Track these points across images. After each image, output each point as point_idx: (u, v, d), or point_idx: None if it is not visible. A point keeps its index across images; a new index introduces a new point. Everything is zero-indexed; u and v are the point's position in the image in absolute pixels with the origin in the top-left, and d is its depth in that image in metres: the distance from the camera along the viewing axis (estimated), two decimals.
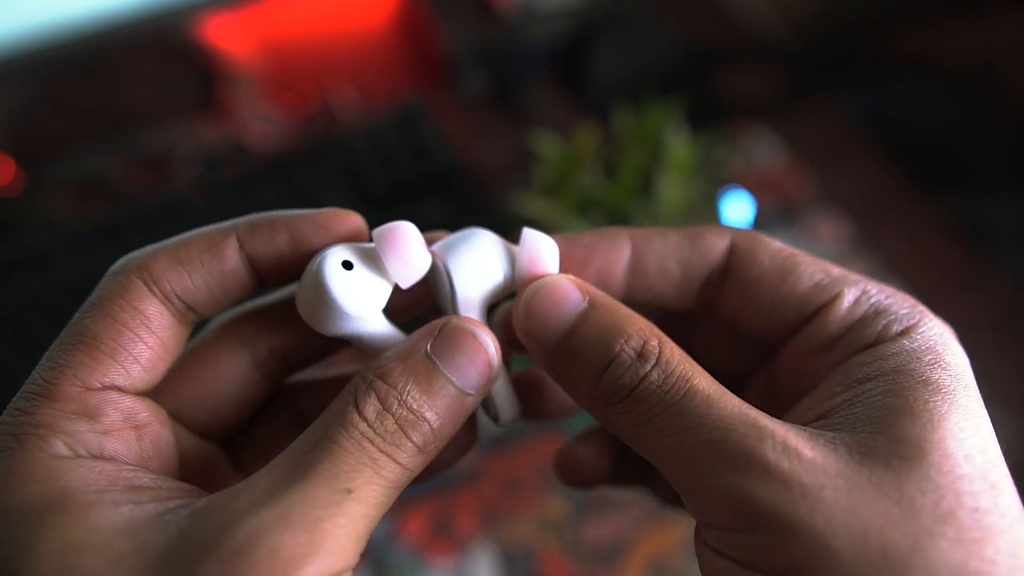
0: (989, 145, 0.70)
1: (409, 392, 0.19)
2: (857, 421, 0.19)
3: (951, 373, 0.19)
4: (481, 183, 0.62)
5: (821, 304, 0.21)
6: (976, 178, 0.70)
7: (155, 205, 0.58)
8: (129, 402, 0.20)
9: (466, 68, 0.70)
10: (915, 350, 0.20)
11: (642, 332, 0.20)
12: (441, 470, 0.24)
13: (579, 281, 0.22)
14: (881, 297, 0.21)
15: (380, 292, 0.22)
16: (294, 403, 0.25)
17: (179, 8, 0.64)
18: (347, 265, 0.21)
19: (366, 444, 0.18)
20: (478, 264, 0.22)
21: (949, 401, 0.18)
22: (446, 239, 0.23)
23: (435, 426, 0.20)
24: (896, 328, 0.20)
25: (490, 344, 0.21)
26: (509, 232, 0.24)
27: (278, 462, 0.18)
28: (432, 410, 0.20)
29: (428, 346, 0.20)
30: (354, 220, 0.23)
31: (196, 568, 0.16)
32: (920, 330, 0.20)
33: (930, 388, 0.19)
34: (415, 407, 0.19)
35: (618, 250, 0.23)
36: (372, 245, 0.22)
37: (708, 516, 0.19)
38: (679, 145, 0.52)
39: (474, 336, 0.21)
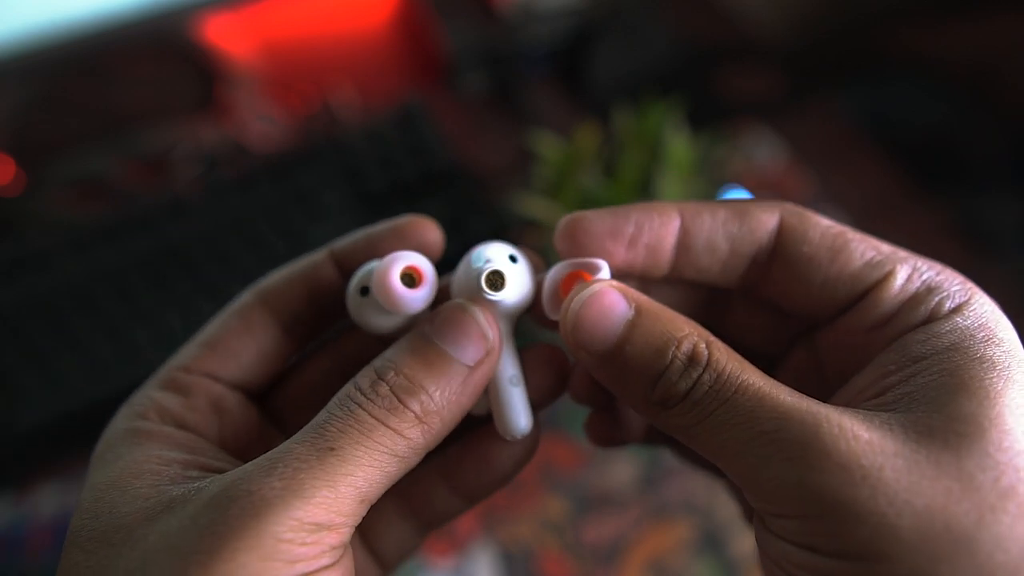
0: (989, 145, 0.70)
1: (406, 364, 0.21)
2: (912, 401, 0.19)
3: (1004, 349, 0.19)
4: (481, 183, 0.62)
5: (873, 282, 0.21)
6: (976, 178, 0.70)
7: (155, 205, 0.58)
8: (218, 389, 0.23)
9: (466, 68, 0.70)
10: (968, 327, 0.20)
11: (691, 336, 0.20)
12: (494, 486, 0.25)
13: (623, 287, 0.22)
14: (932, 274, 0.21)
15: (392, 316, 0.23)
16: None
17: (179, 8, 0.64)
18: (364, 291, 0.23)
19: (355, 409, 0.20)
20: (462, 279, 0.23)
21: (1005, 377, 0.18)
22: None
23: (437, 398, 0.21)
24: (949, 305, 0.20)
25: (479, 316, 0.22)
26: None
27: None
28: (434, 383, 0.21)
29: (427, 328, 0.22)
30: (427, 230, 0.24)
31: (189, 511, 0.18)
32: (972, 307, 0.20)
33: (985, 365, 0.19)
34: (411, 376, 0.21)
35: (668, 225, 0.23)
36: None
37: (770, 506, 0.19)
38: (679, 145, 0.52)
39: (464, 310, 0.22)
